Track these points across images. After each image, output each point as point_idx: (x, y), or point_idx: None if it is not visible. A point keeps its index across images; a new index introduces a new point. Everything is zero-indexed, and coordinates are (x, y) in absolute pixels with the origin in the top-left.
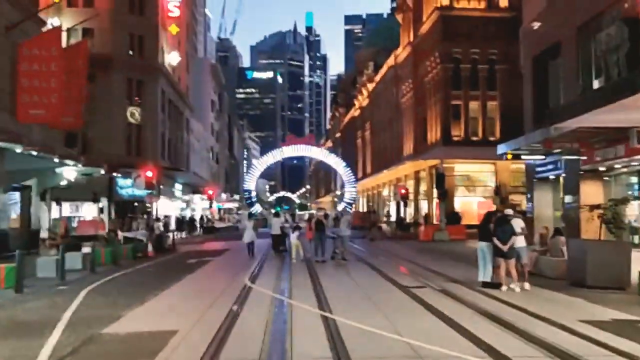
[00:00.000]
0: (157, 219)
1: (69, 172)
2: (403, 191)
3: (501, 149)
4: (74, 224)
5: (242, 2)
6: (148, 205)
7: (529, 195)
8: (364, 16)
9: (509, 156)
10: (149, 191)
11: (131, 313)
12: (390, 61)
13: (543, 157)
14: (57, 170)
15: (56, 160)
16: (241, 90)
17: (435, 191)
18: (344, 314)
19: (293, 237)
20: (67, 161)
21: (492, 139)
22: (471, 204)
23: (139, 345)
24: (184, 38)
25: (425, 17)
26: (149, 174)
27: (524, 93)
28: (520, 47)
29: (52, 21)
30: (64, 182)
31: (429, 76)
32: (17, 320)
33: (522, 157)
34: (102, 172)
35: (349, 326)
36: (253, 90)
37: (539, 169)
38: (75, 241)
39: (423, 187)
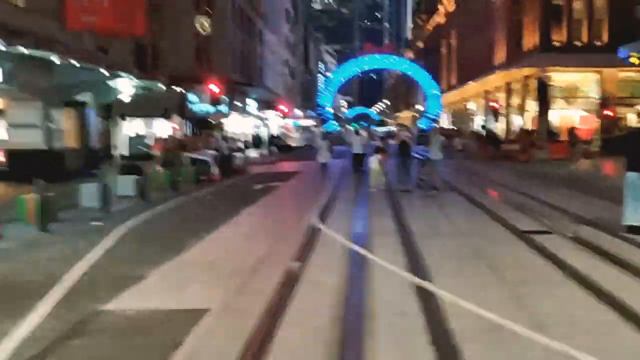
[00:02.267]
0: (224, 138)
1: (124, 85)
2: (495, 104)
3: (623, 51)
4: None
5: None
6: (212, 121)
7: None
8: None
9: (635, 60)
10: (216, 107)
11: (157, 272)
12: None
13: None
14: (111, 83)
15: (103, 71)
16: (317, 0)
17: (531, 104)
18: (448, 284)
19: (373, 160)
20: (120, 72)
21: (598, 43)
22: (571, 119)
23: (148, 333)
24: None
25: None
26: (214, 88)
27: None
28: None
29: None
30: (123, 97)
31: None
32: (8, 279)
33: None
34: (160, 85)
35: (459, 311)
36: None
37: None
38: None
39: (515, 100)
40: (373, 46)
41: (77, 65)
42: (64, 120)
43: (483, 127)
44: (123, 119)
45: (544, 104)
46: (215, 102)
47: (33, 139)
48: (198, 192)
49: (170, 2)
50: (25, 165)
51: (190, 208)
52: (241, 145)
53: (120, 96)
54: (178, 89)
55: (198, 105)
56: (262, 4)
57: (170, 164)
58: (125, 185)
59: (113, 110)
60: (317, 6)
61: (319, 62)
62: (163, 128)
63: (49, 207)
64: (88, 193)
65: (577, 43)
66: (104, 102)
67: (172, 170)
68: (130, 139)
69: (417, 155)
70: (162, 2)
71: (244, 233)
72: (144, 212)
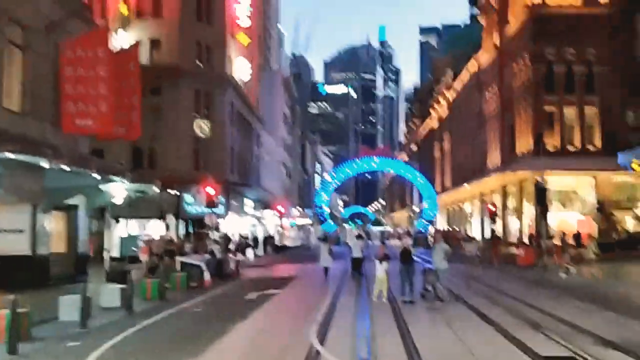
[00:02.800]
0: (216, 241)
1: (117, 189)
2: (492, 207)
3: (624, 157)
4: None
5: (315, 17)
6: (208, 223)
7: None
8: (440, 27)
9: (636, 166)
10: (211, 209)
11: None
12: (472, 67)
13: None
14: (103, 187)
15: (96, 176)
16: (314, 105)
17: (528, 206)
18: None
19: (380, 269)
20: (112, 177)
21: (591, 148)
22: (568, 222)
23: None
24: (255, 49)
25: (513, 16)
26: (210, 190)
27: None
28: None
29: (120, 33)
30: (117, 200)
31: (517, 80)
32: None
33: None
34: (155, 188)
35: None
36: (326, 104)
37: None
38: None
39: (512, 203)
40: (368, 149)
41: (68, 169)
42: (53, 224)
43: (493, 230)
44: (117, 221)
45: (545, 208)
46: (210, 204)
47: (19, 244)
48: (187, 303)
49: (170, 105)
50: (7, 272)
51: (177, 324)
52: (237, 246)
53: (113, 200)
54: (173, 192)
55: (194, 206)
56: (260, 108)
57: (158, 268)
58: (110, 295)
59: (107, 213)
60: (313, 110)
61: (316, 163)
62: (158, 229)
63: (20, 324)
64: (67, 305)
65: (570, 147)
66: (96, 206)
67: (161, 276)
68: (123, 239)
69: (419, 260)
70: (161, 105)
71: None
72: (127, 329)
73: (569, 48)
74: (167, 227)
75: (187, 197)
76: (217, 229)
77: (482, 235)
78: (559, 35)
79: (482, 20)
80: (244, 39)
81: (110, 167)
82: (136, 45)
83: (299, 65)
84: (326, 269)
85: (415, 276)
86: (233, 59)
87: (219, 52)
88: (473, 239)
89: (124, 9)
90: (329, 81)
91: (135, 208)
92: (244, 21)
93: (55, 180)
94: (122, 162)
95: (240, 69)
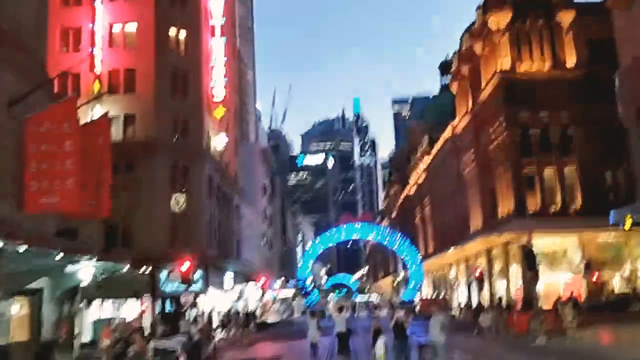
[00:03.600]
0: (194, 321)
1: (85, 270)
2: (478, 273)
3: (616, 215)
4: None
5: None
6: (183, 303)
7: None
8: (410, 100)
9: (628, 224)
10: (187, 287)
11: None
12: (447, 133)
13: None
14: (70, 268)
15: (58, 257)
16: (293, 177)
17: (514, 269)
18: None
19: (380, 346)
20: (79, 257)
21: (572, 208)
22: (556, 285)
23: None
24: (231, 122)
25: (485, 82)
26: (185, 267)
27: (633, 148)
28: (617, 95)
29: (95, 109)
30: (85, 282)
31: (494, 144)
32: None
33: None
34: (124, 269)
35: None
36: (304, 175)
37: None
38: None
39: (497, 266)
40: (350, 216)
41: (30, 250)
42: (14, 310)
43: (500, 299)
44: (89, 303)
45: (536, 272)
46: (185, 281)
47: None
48: None
49: (145, 181)
50: None
51: None
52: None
53: (82, 282)
54: (144, 270)
55: (169, 284)
56: (239, 180)
57: (124, 356)
58: None
59: (77, 295)
60: (292, 182)
61: (298, 233)
62: (133, 310)
63: None
64: None
65: (552, 209)
66: (63, 288)
67: None
68: (95, 323)
69: (415, 337)
70: (136, 181)
71: None
72: None
73: (543, 111)
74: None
75: (164, 275)
76: (193, 306)
77: (469, 301)
78: (531, 99)
79: (454, 88)
80: (220, 112)
81: (77, 247)
82: (105, 116)
83: (277, 138)
84: (315, 347)
85: (410, 352)
86: (210, 132)
87: (195, 125)
88: (487, 308)
89: (96, 86)
90: (307, 151)
91: (108, 289)
92: (220, 94)
93: (15, 262)
94: (88, 241)
95: (218, 142)
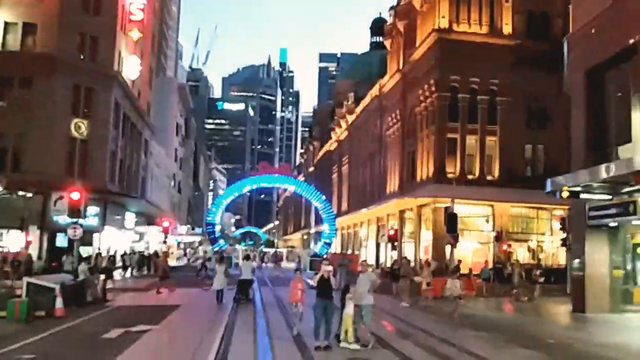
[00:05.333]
0: (84, 259)
1: None
2: (392, 232)
3: (553, 184)
4: None
5: (216, 33)
6: (71, 236)
7: (572, 247)
8: (339, 55)
9: (565, 194)
10: (74, 219)
11: None
12: (375, 91)
13: (610, 196)
14: None
15: None
16: (210, 121)
17: (424, 233)
18: None
19: (350, 304)
20: None
21: (489, 178)
22: (465, 251)
23: None
24: (147, 49)
25: (420, 41)
26: (75, 195)
27: (573, 118)
28: (565, 60)
29: None
30: None
31: (420, 106)
32: None
33: (582, 195)
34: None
35: None
36: (223, 121)
37: (593, 213)
38: None
39: (408, 228)
40: (268, 165)
41: None
42: None
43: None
44: None
45: (456, 236)
46: (74, 212)
47: None
48: (17, 344)
49: (42, 99)
50: None
51: None
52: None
53: None
54: (25, 194)
55: (60, 215)
56: (152, 116)
57: None
58: None
59: None
60: (210, 126)
61: (210, 180)
62: (19, 241)
63: None
64: None
65: (470, 176)
66: None
67: None
68: None
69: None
70: (32, 99)
71: None
72: None
73: (474, 77)
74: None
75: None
76: (88, 244)
77: (377, 260)
78: (465, 63)
79: (388, 44)
80: (135, 34)
81: None
82: None
83: (198, 79)
84: (220, 292)
85: (333, 315)
86: (123, 55)
87: (106, 44)
88: (454, 270)
89: None
90: (227, 99)
91: None
92: (137, 13)
93: None
94: None
95: (130, 68)
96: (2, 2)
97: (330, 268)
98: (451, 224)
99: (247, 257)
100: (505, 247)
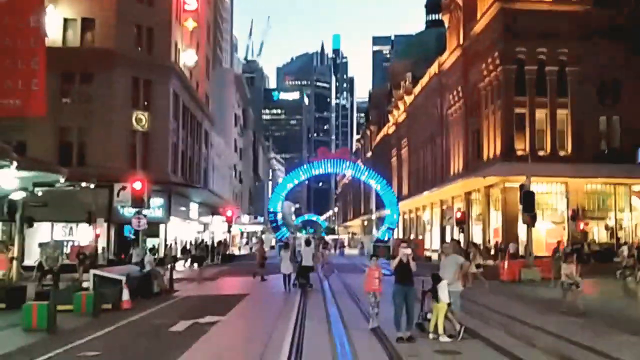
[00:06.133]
0: (150, 250)
1: (4, 179)
2: (459, 214)
3: None
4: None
5: (269, 24)
6: (136, 227)
7: None
8: (392, 37)
9: None
10: (138, 209)
11: None
12: (434, 69)
13: None
14: None
15: None
16: (267, 112)
17: (493, 215)
18: None
19: (443, 288)
20: None
21: (562, 154)
22: (537, 232)
23: None
24: (203, 39)
25: (480, 13)
26: (137, 185)
27: None
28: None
29: (48, 9)
30: (16, 195)
31: (485, 81)
32: None
33: None
34: (61, 179)
35: None
36: (279, 111)
37: None
38: None
39: (476, 210)
40: (327, 150)
41: None
42: None
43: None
44: (30, 224)
45: (534, 216)
46: (137, 202)
47: None
48: (86, 338)
49: (103, 94)
50: None
51: None
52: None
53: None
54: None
55: (127, 207)
56: (210, 106)
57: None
58: None
59: (18, 213)
60: (266, 117)
61: (269, 170)
62: (88, 234)
63: None
64: None
65: (541, 152)
66: None
67: (55, 295)
68: (41, 245)
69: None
70: (93, 94)
71: None
72: None
73: (541, 47)
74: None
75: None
76: (154, 235)
77: (442, 244)
78: (530, 33)
79: (446, 20)
80: (191, 24)
81: None
82: None
83: (253, 71)
84: (287, 277)
85: (414, 302)
86: (178, 45)
87: (162, 36)
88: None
89: None
90: (282, 88)
91: (56, 209)
92: (191, 4)
93: None
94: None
95: (187, 58)
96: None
97: (409, 251)
98: (528, 202)
99: (307, 242)
100: (582, 225)
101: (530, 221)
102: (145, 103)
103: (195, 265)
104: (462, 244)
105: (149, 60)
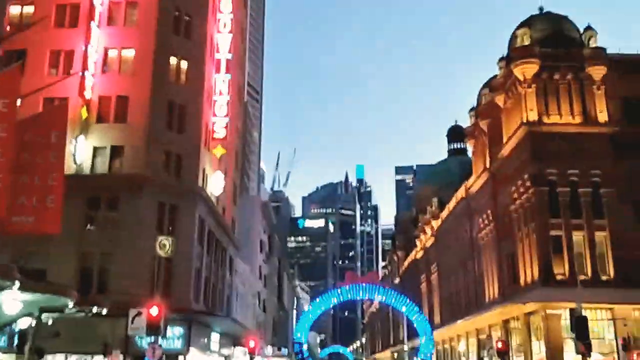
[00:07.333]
0: None
1: (8, 302)
2: (500, 345)
3: None
4: None
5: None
6: (151, 359)
7: None
8: (414, 167)
9: None
10: (152, 336)
11: None
12: (461, 193)
13: None
14: None
15: None
16: (292, 239)
17: (535, 344)
18: None
19: None
20: None
21: (604, 278)
22: None
23: None
24: (231, 165)
25: (507, 137)
26: (154, 311)
27: None
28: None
29: (79, 139)
30: (23, 324)
31: (515, 204)
32: None
33: None
34: (70, 303)
35: None
36: (304, 238)
37: None
38: None
39: (516, 340)
40: (355, 275)
41: None
42: None
43: None
44: (40, 356)
45: (588, 344)
46: (152, 329)
47: None
48: None
49: (128, 219)
50: None
51: None
52: None
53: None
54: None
55: (142, 335)
56: (236, 231)
57: None
58: None
59: (27, 343)
60: (292, 245)
61: (294, 298)
62: None
63: None
64: None
65: (582, 277)
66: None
67: None
68: None
69: None
70: (118, 219)
71: None
72: None
73: (572, 169)
74: None
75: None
76: None
77: None
78: (560, 155)
79: (470, 145)
80: (219, 150)
81: None
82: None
83: (279, 200)
84: None
85: None
86: (207, 172)
87: (190, 162)
88: None
89: (84, 112)
90: (307, 216)
91: (69, 339)
92: (221, 131)
93: None
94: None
95: (214, 184)
96: (92, 129)
97: None
98: (581, 328)
99: None
100: (635, 356)
101: (586, 350)
102: (170, 228)
103: None
104: None
105: (176, 186)
